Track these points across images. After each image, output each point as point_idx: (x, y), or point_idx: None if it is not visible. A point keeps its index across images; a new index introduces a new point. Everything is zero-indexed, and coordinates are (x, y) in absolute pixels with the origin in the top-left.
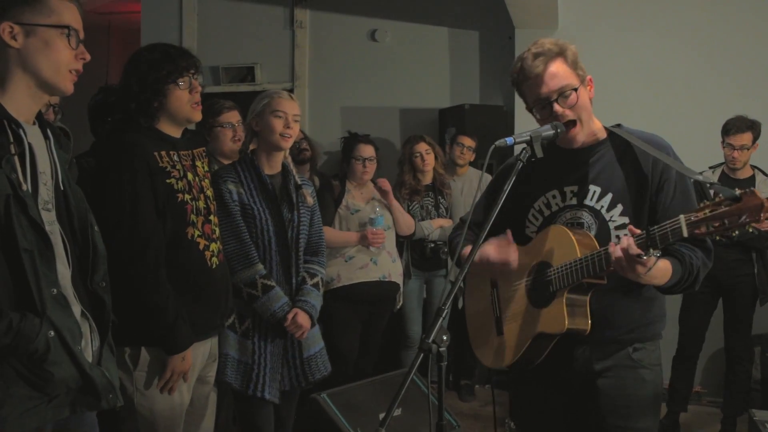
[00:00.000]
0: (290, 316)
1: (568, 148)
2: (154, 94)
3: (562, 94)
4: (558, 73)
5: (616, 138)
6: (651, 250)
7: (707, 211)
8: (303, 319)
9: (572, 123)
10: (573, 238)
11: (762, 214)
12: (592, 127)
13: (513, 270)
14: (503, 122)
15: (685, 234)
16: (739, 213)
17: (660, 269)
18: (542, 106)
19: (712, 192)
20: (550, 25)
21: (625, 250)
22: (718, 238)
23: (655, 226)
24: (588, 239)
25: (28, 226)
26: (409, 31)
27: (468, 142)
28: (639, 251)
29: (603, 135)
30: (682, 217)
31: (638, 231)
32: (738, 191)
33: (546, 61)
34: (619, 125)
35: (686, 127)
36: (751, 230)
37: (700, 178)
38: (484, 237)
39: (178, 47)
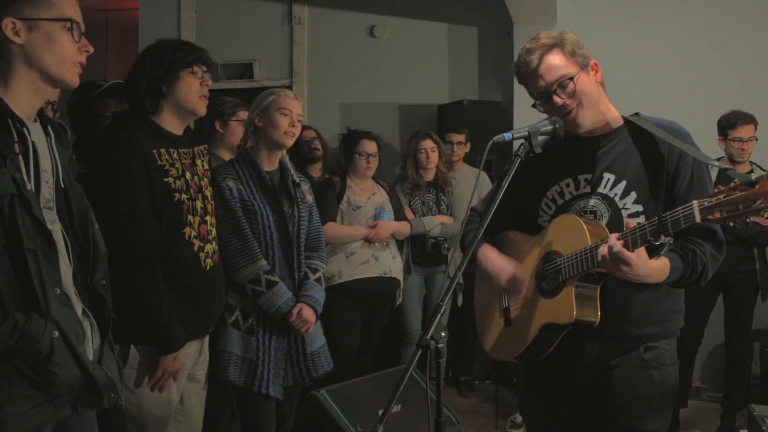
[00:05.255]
0: (295, 311)
1: (583, 137)
2: (166, 74)
3: (560, 84)
4: (554, 64)
5: (632, 126)
6: (662, 237)
7: (721, 196)
8: (308, 314)
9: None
10: (584, 226)
11: None
12: (603, 112)
13: (517, 283)
14: (502, 118)
15: (698, 219)
16: (755, 198)
17: (654, 268)
18: (544, 100)
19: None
20: (548, 20)
21: (609, 249)
22: (732, 224)
23: (668, 212)
24: (599, 228)
25: (32, 225)
26: (407, 26)
27: (456, 137)
28: (621, 250)
29: (619, 123)
30: (695, 202)
31: (632, 225)
32: (754, 176)
33: (541, 55)
34: (637, 114)
35: (686, 122)
36: (748, 221)
37: (718, 164)
38: (485, 230)
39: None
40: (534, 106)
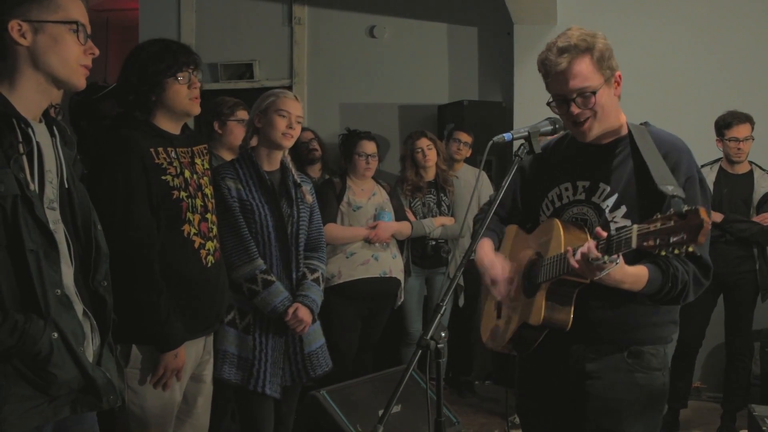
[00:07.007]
0: (291, 310)
1: (590, 143)
2: (152, 86)
3: (581, 94)
4: (580, 72)
5: (633, 136)
6: (606, 256)
7: (658, 224)
8: (304, 313)
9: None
10: (562, 232)
11: (700, 236)
12: (613, 124)
13: (499, 283)
14: (502, 118)
15: (634, 245)
16: (680, 230)
17: (629, 274)
18: (560, 103)
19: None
20: (548, 20)
21: (584, 255)
22: (663, 253)
23: (614, 233)
24: (579, 235)
25: (34, 226)
26: (407, 27)
27: (464, 137)
28: (597, 255)
29: (624, 132)
30: (635, 226)
31: (605, 234)
32: (685, 208)
33: (570, 58)
34: (646, 123)
35: (685, 123)
36: (691, 249)
37: (668, 190)
38: (499, 220)
39: (180, 43)
40: (549, 104)
